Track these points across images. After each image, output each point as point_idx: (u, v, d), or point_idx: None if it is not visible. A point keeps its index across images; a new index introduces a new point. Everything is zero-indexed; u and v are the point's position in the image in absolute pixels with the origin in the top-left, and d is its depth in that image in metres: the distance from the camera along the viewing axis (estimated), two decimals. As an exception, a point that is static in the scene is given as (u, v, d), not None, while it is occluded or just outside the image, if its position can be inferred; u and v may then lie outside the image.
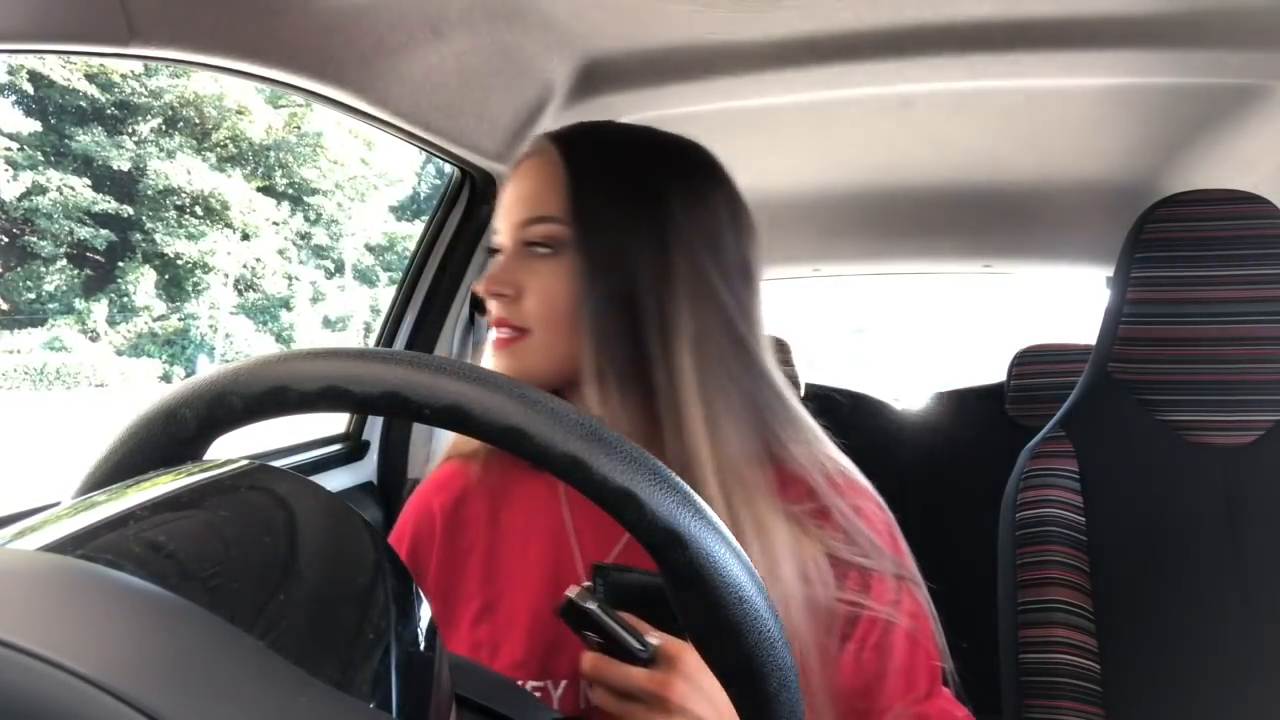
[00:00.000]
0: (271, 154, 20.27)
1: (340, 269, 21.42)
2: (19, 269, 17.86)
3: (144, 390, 15.95)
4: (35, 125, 17.35)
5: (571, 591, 0.49)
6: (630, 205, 0.64)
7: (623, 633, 0.50)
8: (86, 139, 17.55)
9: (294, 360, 0.36)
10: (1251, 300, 0.98)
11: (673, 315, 0.62)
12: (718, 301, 0.63)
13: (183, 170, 18.55)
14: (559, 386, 0.67)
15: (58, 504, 0.30)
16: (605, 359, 0.62)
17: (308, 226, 20.88)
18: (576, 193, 0.64)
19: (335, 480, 1.34)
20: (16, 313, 17.75)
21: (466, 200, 1.40)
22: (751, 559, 0.57)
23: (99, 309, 17.97)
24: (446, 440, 0.84)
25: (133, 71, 17.90)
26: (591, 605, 0.49)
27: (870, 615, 0.61)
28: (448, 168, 1.37)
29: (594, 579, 0.53)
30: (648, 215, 0.63)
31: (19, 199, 16.99)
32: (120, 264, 18.43)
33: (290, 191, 20.69)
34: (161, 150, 18.78)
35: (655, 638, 0.52)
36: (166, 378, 17.68)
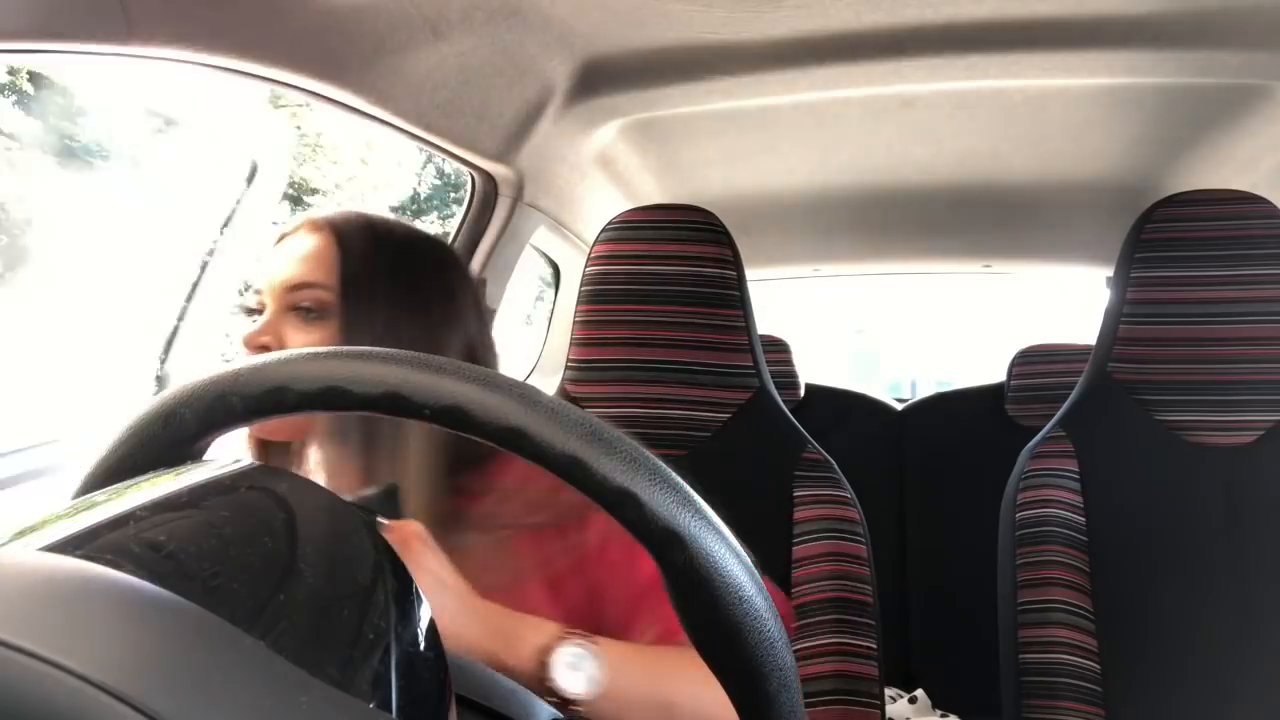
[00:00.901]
0: (271, 154, 20.28)
1: (340, 269, 21.39)
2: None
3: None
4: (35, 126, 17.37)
5: None
6: (390, 288, 0.72)
7: None
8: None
9: (294, 360, 0.36)
10: (1251, 300, 0.98)
11: None
12: None
13: (182, 170, 18.56)
14: (302, 438, 0.72)
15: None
16: (346, 418, 0.68)
17: (308, 226, 20.89)
18: (345, 269, 0.72)
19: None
20: (16, 313, 17.77)
21: (467, 199, 1.40)
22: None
23: (99, 309, 17.98)
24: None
25: (133, 71, 17.90)
26: None
27: (581, 554, 0.68)
28: (447, 168, 1.37)
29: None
30: (404, 298, 0.72)
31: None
32: (120, 264, 18.46)
33: (290, 191, 20.67)
34: (161, 150, 18.78)
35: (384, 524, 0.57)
36: (166, 377, 17.66)
